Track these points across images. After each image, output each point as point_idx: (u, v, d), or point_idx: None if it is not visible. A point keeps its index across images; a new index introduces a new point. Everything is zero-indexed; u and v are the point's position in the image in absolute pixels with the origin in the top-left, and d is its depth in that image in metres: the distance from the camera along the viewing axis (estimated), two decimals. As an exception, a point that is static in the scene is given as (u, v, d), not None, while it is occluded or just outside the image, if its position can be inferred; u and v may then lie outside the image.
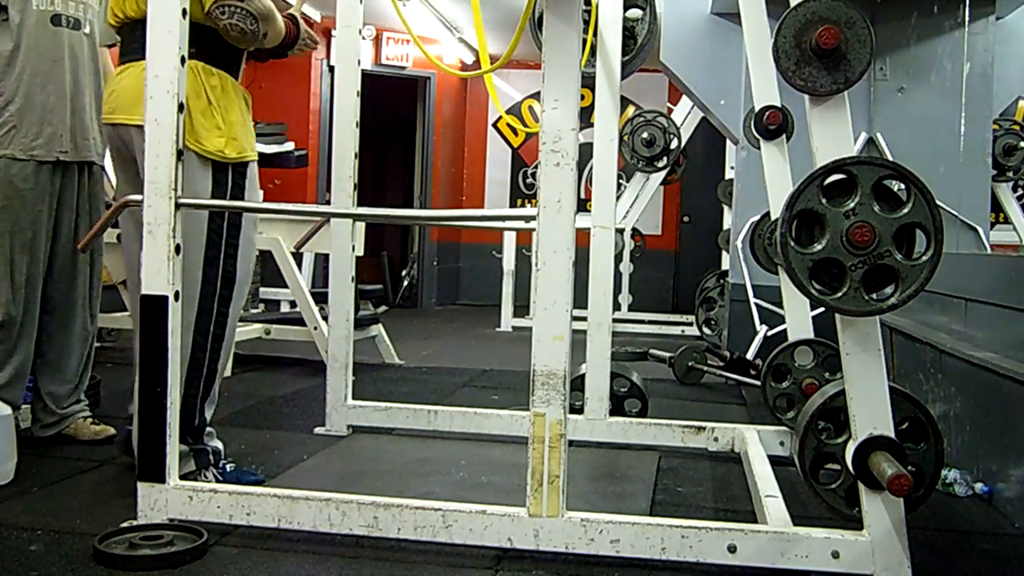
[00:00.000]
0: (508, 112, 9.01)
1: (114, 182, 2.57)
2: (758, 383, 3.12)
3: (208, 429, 2.45)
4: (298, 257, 5.18)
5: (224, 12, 2.23)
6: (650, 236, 7.89)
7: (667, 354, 4.58)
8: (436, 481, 2.61)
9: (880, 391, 1.80)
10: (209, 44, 2.29)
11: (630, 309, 7.39)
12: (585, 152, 2.50)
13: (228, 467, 2.46)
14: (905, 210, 1.70)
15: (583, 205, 4.54)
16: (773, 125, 2.88)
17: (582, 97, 1.92)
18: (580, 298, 2.16)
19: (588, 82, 2.62)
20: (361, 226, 4.09)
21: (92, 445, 2.79)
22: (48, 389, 2.80)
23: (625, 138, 6.24)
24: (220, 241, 2.36)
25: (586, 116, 2.65)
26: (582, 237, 2.27)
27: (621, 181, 6.53)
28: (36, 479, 2.43)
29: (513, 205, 9.31)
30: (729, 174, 6.52)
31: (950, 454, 2.73)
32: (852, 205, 1.70)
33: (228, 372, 3.07)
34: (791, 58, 1.75)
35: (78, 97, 2.73)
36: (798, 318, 2.94)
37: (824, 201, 1.72)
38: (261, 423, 3.29)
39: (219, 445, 2.48)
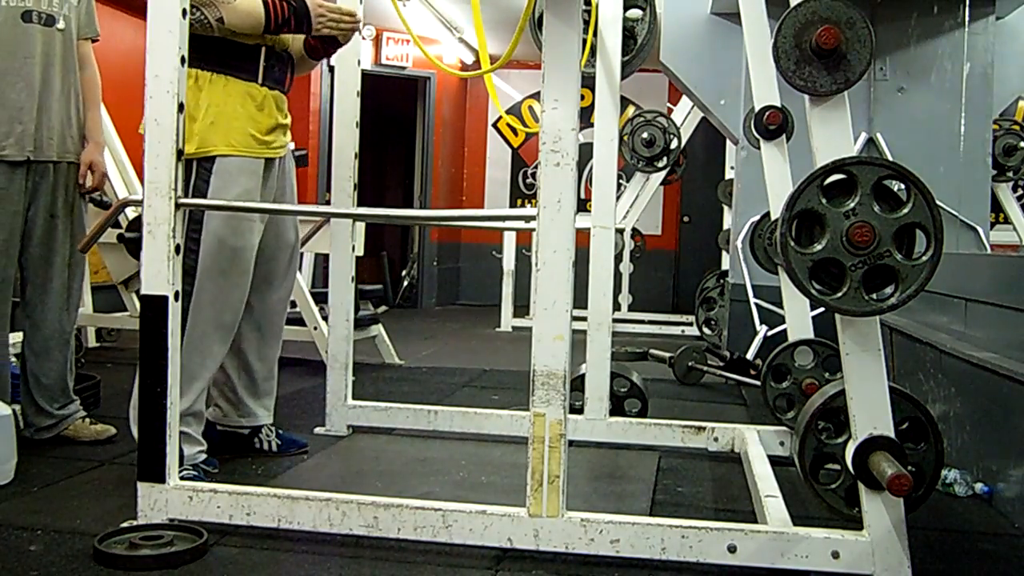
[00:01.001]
0: (508, 112, 9.01)
1: (116, 184, 2.58)
2: (758, 383, 3.12)
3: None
4: (298, 257, 5.16)
5: None
6: (650, 236, 7.89)
7: (667, 354, 4.58)
8: (436, 481, 2.61)
9: (880, 391, 1.80)
10: (195, 48, 2.32)
11: (630, 309, 7.38)
12: (585, 152, 2.50)
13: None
14: (905, 210, 1.70)
15: (583, 205, 4.55)
16: (773, 125, 2.88)
17: (582, 97, 1.92)
18: (580, 298, 2.15)
19: (588, 82, 2.61)
20: (361, 226, 4.09)
21: (92, 445, 2.79)
22: (36, 392, 2.77)
23: (625, 138, 6.24)
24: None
25: (586, 116, 2.65)
26: (582, 237, 2.27)
27: (621, 181, 6.53)
28: (36, 479, 2.43)
29: (513, 205, 9.30)
30: (729, 174, 6.52)
31: (950, 454, 2.73)
32: (852, 205, 1.70)
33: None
34: (791, 58, 1.75)
35: (47, 95, 2.69)
36: (798, 318, 2.94)
37: (824, 201, 1.72)
38: (261, 423, 3.28)
39: (186, 449, 2.40)
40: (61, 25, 2.73)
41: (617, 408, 3.21)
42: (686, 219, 9.02)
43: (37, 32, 2.66)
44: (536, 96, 8.31)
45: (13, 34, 2.62)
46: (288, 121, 2.66)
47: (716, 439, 3.00)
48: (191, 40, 2.31)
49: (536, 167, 4.35)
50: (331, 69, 7.35)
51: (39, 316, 2.75)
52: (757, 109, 2.90)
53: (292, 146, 2.78)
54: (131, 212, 4.23)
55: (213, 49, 2.42)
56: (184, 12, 2.00)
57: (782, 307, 3.01)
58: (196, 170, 2.41)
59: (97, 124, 2.88)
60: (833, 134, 1.78)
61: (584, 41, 3.00)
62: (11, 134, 2.62)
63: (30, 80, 2.65)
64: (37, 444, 2.75)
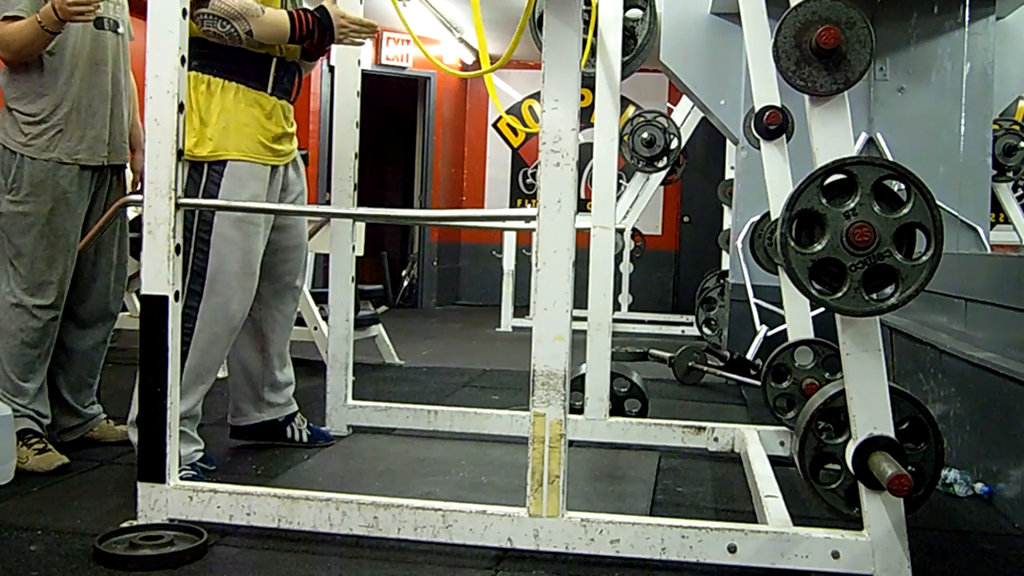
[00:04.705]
0: (508, 112, 9.01)
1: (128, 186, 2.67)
2: (758, 383, 3.12)
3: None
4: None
5: (197, 22, 2.36)
6: (650, 236, 7.89)
7: (667, 354, 4.58)
8: (436, 481, 2.61)
9: (880, 391, 1.80)
10: (208, 55, 2.41)
11: (630, 309, 7.39)
12: (585, 152, 2.50)
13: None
14: (905, 210, 1.70)
15: (583, 205, 4.55)
16: (773, 125, 2.88)
17: (582, 97, 1.92)
18: (580, 298, 2.15)
19: (588, 82, 2.61)
20: (361, 226, 4.09)
21: (93, 446, 2.79)
22: (69, 393, 2.76)
23: (625, 138, 6.24)
24: (189, 236, 2.41)
25: (586, 116, 2.65)
26: (582, 237, 2.27)
27: (621, 181, 6.53)
28: (36, 479, 2.43)
29: (513, 205, 9.30)
30: (729, 174, 6.52)
31: (950, 454, 2.73)
32: (852, 205, 1.70)
33: (223, 372, 3.05)
34: (791, 58, 1.75)
35: (117, 101, 2.73)
36: (798, 318, 2.94)
37: (824, 201, 1.72)
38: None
39: (183, 449, 2.35)
40: (122, 30, 2.76)
41: (617, 408, 3.21)
42: (686, 219, 9.02)
43: (108, 38, 2.69)
44: (536, 96, 8.31)
45: (88, 41, 2.64)
46: (293, 130, 2.68)
47: (716, 439, 3.00)
48: (204, 47, 2.37)
49: (536, 167, 4.35)
50: (331, 69, 7.35)
51: (87, 317, 2.75)
52: (757, 109, 2.90)
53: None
54: (131, 212, 4.23)
55: (226, 57, 2.45)
56: (184, 12, 2.00)
57: (782, 307, 3.00)
58: (207, 173, 2.44)
59: (141, 131, 2.89)
60: (833, 134, 1.78)
61: (584, 41, 3.00)
62: (84, 139, 2.63)
63: (103, 87, 2.67)
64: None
